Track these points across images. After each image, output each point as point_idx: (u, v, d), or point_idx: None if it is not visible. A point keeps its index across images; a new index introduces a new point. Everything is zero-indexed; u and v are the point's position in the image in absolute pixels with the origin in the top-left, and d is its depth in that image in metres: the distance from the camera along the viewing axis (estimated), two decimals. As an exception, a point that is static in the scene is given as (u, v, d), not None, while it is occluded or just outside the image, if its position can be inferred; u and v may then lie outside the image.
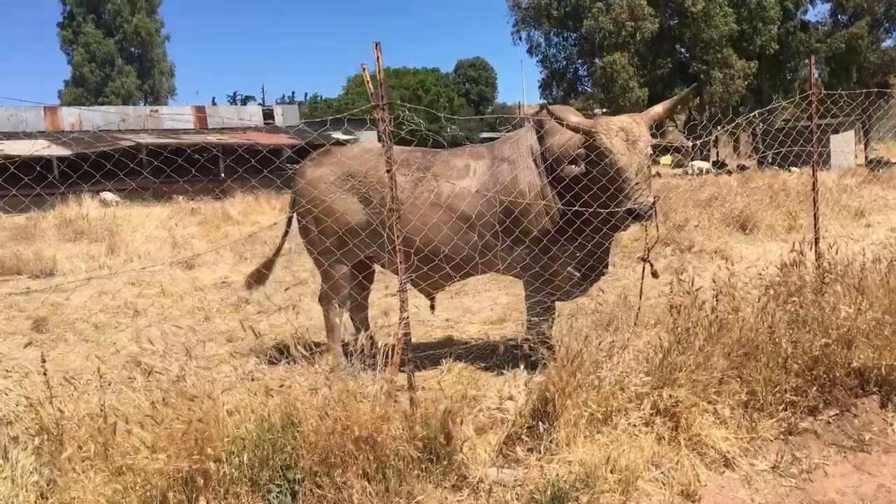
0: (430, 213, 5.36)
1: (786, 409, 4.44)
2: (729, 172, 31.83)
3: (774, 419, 4.34)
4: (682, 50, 43.33)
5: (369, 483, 3.43)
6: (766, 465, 4.02)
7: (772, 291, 5.08)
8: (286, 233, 6.13)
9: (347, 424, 3.46)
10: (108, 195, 30.21)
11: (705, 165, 37.50)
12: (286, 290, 9.05)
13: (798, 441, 4.30)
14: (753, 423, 4.24)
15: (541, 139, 5.45)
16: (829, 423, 4.52)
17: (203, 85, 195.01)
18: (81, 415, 3.61)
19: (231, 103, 72.00)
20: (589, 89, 43.82)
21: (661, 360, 4.28)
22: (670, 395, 4.05)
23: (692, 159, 37.57)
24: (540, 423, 3.95)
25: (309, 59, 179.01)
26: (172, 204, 25.69)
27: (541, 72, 44.87)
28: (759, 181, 21.11)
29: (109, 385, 4.00)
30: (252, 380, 3.95)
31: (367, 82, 4.02)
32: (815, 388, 4.57)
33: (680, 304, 4.64)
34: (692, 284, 4.71)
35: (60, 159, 30.14)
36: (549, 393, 3.94)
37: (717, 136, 44.46)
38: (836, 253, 5.35)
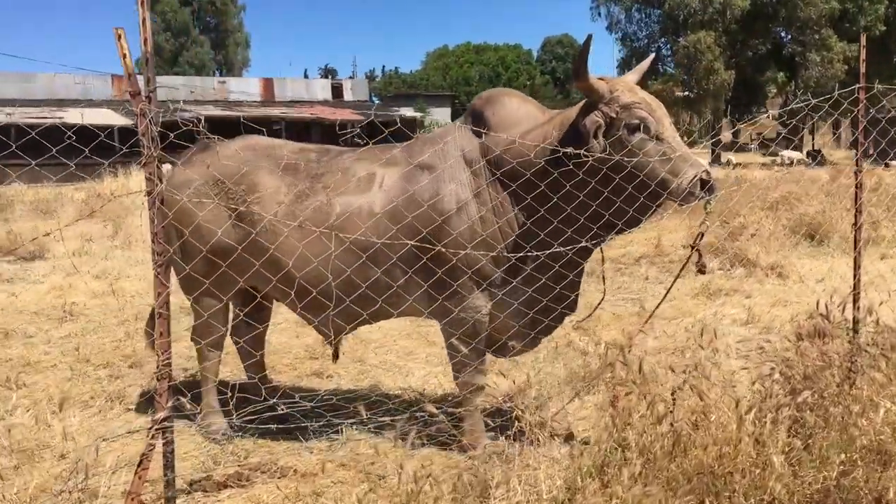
0: (315, 239, 3.97)
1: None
2: (821, 164, 28.97)
3: None
4: (779, 30, 40.17)
5: None
6: None
7: (776, 376, 3.51)
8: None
9: None
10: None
11: (797, 156, 34.61)
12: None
13: None
14: None
15: (482, 139, 3.99)
16: None
17: (297, 57, 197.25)
18: None
19: (323, 76, 71.64)
20: (670, 70, 41.16)
21: (571, 497, 2.79)
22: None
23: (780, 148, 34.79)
24: None
25: (403, 32, 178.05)
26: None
27: (619, 50, 42.45)
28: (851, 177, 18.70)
29: None
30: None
31: (124, 57, 2.65)
32: (820, 541, 3.01)
33: (619, 398, 3.13)
34: (640, 365, 3.17)
35: (122, 129, 29.96)
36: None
37: (814, 124, 41.19)
38: (878, 320, 3.70)
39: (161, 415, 2.61)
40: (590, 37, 3.60)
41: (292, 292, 4.08)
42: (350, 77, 63.60)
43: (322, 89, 42.90)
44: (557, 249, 3.78)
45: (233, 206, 4.13)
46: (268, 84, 40.39)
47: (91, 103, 34.02)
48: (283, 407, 4.07)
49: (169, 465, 2.66)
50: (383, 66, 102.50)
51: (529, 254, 3.87)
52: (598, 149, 3.58)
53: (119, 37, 2.65)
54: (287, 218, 4.02)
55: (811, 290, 8.28)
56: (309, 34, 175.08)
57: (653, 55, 4.98)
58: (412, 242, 3.84)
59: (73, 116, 30.77)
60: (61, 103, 32.26)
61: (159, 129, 2.70)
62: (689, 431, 3.03)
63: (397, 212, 3.95)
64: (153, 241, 2.61)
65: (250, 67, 66.46)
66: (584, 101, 3.79)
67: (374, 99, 52.23)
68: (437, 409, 3.03)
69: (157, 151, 2.62)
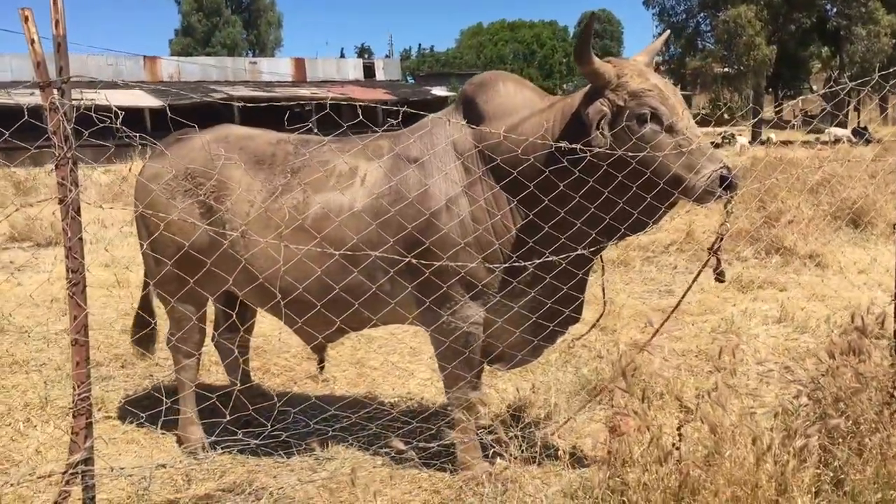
0: (290, 240, 3.59)
1: None
2: (867, 142, 27.71)
3: None
4: (823, 3, 38.68)
5: None
6: None
7: (803, 400, 3.07)
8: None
9: None
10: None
11: (844, 133, 33.31)
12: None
13: None
14: None
15: (474, 125, 3.57)
16: None
17: (334, 36, 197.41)
18: None
19: (358, 55, 71.30)
20: (710, 45, 39.89)
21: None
22: None
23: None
24: None
25: (440, 9, 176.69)
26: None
27: (657, 26, 41.12)
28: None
29: None
30: None
31: (32, 42, 2.29)
32: None
33: (619, 429, 2.72)
34: (643, 395, 2.75)
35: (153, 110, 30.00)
36: None
37: (859, 100, 39.73)
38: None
39: (77, 457, 2.27)
40: (592, 15, 3.19)
41: (267, 298, 3.74)
42: (386, 56, 63.11)
43: (354, 69, 42.51)
44: (557, 258, 3.37)
45: (204, 201, 3.78)
46: (299, 64, 40.08)
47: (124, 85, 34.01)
48: (267, 425, 3.71)
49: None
50: (419, 45, 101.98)
51: (530, 255, 3.46)
52: (602, 142, 3.15)
53: (26, 19, 2.29)
54: (260, 218, 3.67)
55: (851, 284, 7.73)
56: (347, 13, 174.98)
57: (667, 33, 4.49)
58: (389, 243, 3.46)
59: (106, 97, 30.75)
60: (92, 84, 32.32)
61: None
62: (699, 471, 2.61)
63: (380, 209, 3.57)
64: (67, 257, 2.26)
65: (287, 48, 66.42)
66: (588, 87, 3.36)
67: (407, 78, 51.70)
68: (405, 444, 2.64)
69: (70, 152, 2.26)
